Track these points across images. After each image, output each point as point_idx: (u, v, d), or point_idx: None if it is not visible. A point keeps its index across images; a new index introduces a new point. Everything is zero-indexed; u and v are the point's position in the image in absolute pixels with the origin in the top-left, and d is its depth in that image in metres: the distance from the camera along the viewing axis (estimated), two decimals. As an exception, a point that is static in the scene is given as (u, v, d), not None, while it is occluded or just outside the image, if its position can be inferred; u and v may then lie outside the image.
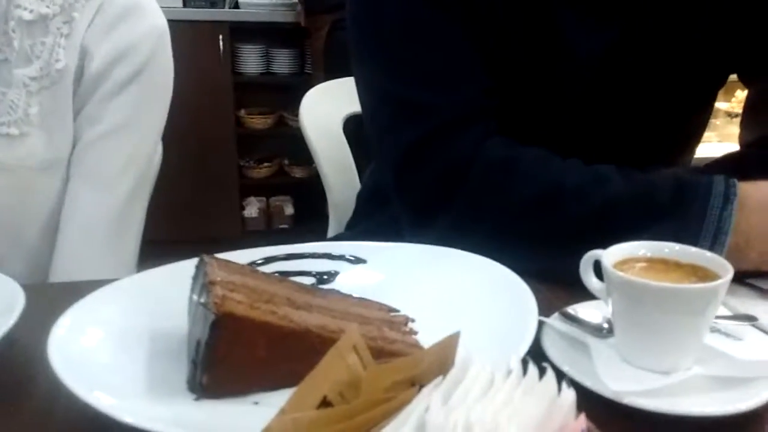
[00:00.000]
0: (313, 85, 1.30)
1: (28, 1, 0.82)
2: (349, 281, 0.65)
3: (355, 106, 1.23)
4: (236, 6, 3.29)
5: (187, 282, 0.55)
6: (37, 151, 0.83)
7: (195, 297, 0.52)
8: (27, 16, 0.81)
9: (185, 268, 0.57)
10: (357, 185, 1.22)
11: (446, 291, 0.62)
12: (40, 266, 0.86)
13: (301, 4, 3.03)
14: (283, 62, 3.33)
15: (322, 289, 0.61)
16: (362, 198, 1.09)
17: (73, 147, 0.86)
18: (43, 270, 0.85)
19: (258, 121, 3.33)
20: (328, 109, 1.24)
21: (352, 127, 1.25)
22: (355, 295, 0.59)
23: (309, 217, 3.28)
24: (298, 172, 3.39)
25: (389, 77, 0.79)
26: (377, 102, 0.81)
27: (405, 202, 0.79)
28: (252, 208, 3.41)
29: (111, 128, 0.85)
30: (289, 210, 3.46)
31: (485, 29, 0.77)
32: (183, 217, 3.00)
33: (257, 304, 0.48)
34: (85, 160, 0.86)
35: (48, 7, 0.82)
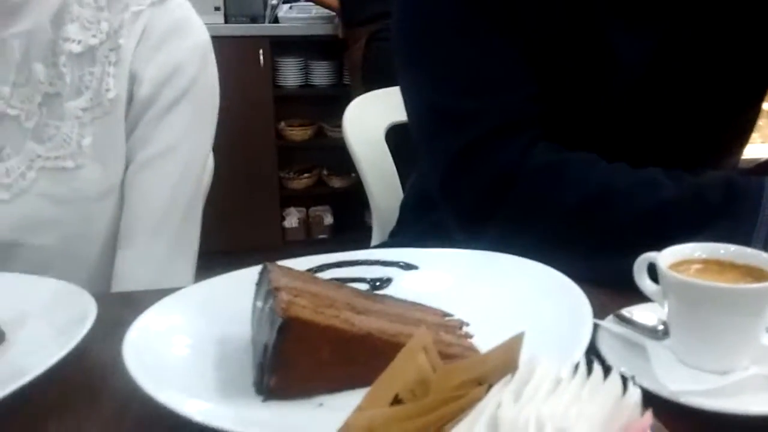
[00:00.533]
0: (351, 97, 1.31)
1: (75, 33, 0.81)
2: (402, 287, 0.66)
3: (397, 116, 1.24)
4: (276, 21, 3.35)
5: (249, 289, 0.57)
6: (93, 182, 0.83)
7: (260, 303, 0.54)
8: (76, 48, 0.81)
9: (247, 275, 0.60)
10: (400, 194, 1.23)
11: (499, 295, 0.63)
12: (99, 284, 0.85)
13: (339, 17, 3.07)
14: (321, 74, 3.38)
15: (378, 294, 0.62)
16: (406, 206, 1.10)
17: (126, 169, 0.85)
18: (102, 287, 0.85)
19: (297, 133, 3.37)
20: (370, 118, 1.26)
21: (394, 136, 1.26)
22: (409, 300, 0.61)
23: (348, 227, 3.32)
24: (336, 182, 3.42)
25: (434, 85, 0.79)
26: (423, 110, 0.82)
27: (453, 209, 0.80)
28: (292, 219, 3.45)
29: (162, 149, 0.85)
30: (329, 220, 3.49)
31: (530, 36, 0.77)
32: (224, 228, 3.04)
33: (320, 309, 0.50)
34: (137, 182, 0.85)
35: (95, 36, 0.82)
